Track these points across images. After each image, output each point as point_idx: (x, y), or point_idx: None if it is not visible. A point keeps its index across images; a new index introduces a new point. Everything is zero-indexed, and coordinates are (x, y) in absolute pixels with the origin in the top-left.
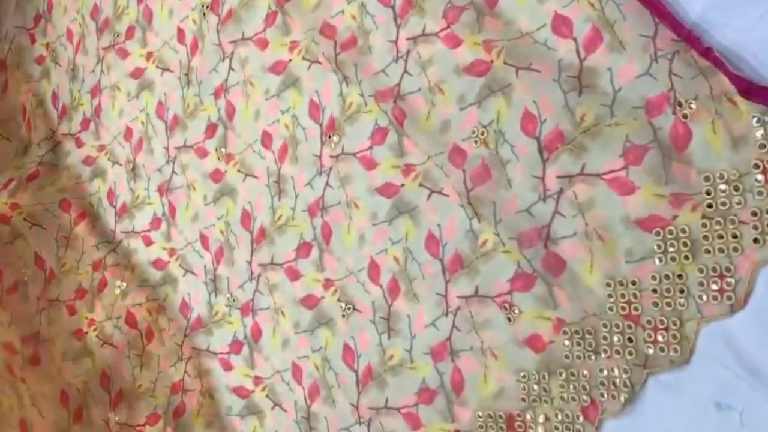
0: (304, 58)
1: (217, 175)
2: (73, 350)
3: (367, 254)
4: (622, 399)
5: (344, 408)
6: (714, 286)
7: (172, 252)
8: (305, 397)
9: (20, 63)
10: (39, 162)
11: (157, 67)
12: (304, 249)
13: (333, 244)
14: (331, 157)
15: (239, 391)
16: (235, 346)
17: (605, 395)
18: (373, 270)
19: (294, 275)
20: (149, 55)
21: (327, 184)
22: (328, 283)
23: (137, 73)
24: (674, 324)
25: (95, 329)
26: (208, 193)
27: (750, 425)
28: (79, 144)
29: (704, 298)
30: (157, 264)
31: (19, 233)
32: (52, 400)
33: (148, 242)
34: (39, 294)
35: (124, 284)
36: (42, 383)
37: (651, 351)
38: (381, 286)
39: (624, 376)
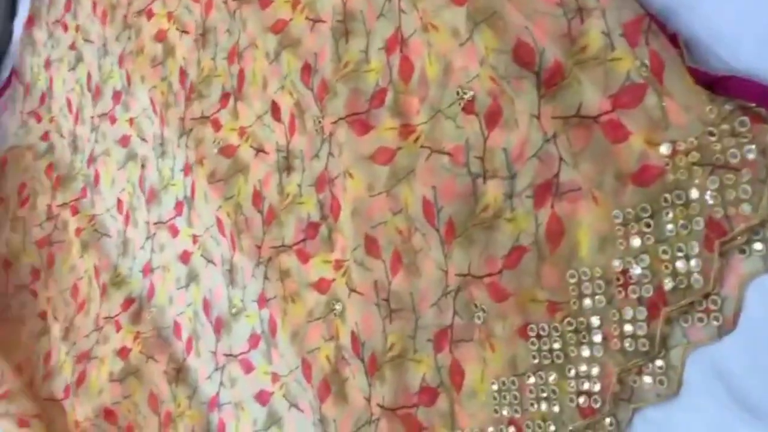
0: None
1: (185, 257)
2: (118, 370)
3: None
4: None
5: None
6: (699, 306)
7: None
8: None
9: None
10: None
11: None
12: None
13: (341, 221)
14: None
15: (261, 397)
16: (253, 340)
17: None
18: (373, 246)
19: (305, 258)
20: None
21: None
22: (337, 264)
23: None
24: (659, 352)
25: (139, 343)
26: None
27: None
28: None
29: (689, 320)
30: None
31: None
32: None
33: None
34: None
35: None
36: None
37: (636, 384)
38: (384, 261)
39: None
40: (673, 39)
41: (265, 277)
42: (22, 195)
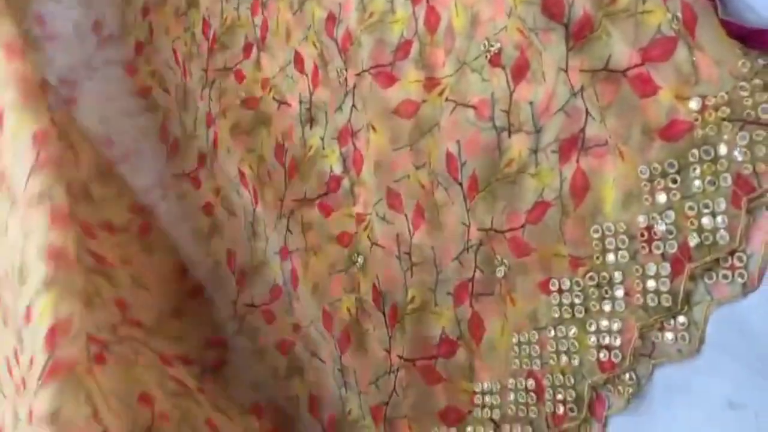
0: None
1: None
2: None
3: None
4: (628, 394)
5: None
6: (724, 263)
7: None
8: (336, 347)
9: None
10: None
11: None
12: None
13: (363, 175)
14: (355, 75)
15: (282, 346)
16: (275, 292)
17: (611, 390)
18: (395, 200)
19: (327, 211)
20: None
21: (353, 106)
22: (359, 217)
23: None
24: (682, 308)
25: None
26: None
27: (767, 426)
28: None
29: (713, 277)
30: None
31: None
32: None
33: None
34: None
35: None
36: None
37: (658, 340)
38: (406, 215)
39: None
40: None
41: (288, 230)
42: None
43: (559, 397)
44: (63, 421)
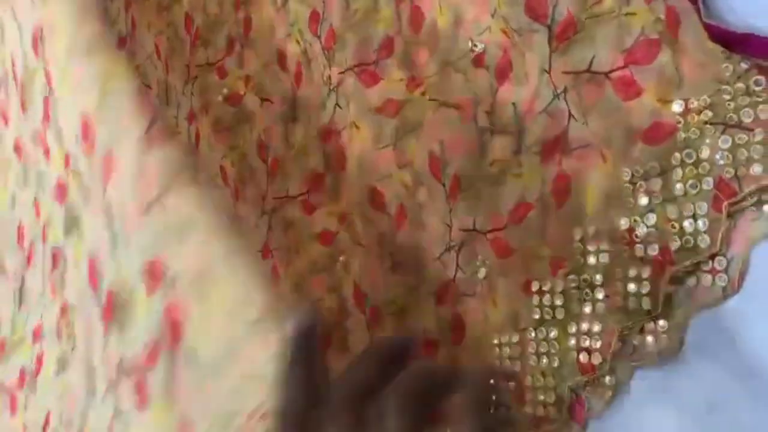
0: None
1: None
2: None
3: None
4: (608, 396)
5: None
6: (705, 266)
7: None
8: None
9: None
10: None
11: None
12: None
13: (346, 173)
14: (339, 73)
15: None
16: None
17: (591, 392)
18: (378, 199)
19: (309, 209)
20: None
21: (336, 104)
22: (342, 216)
23: None
24: (662, 311)
25: None
26: None
27: (747, 430)
28: None
29: (694, 280)
30: None
31: None
32: None
33: None
34: None
35: None
36: None
37: (638, 343)
38: (388, 215)
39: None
40: None
41: (269, 228)
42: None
43: (540, 398)
44: None
